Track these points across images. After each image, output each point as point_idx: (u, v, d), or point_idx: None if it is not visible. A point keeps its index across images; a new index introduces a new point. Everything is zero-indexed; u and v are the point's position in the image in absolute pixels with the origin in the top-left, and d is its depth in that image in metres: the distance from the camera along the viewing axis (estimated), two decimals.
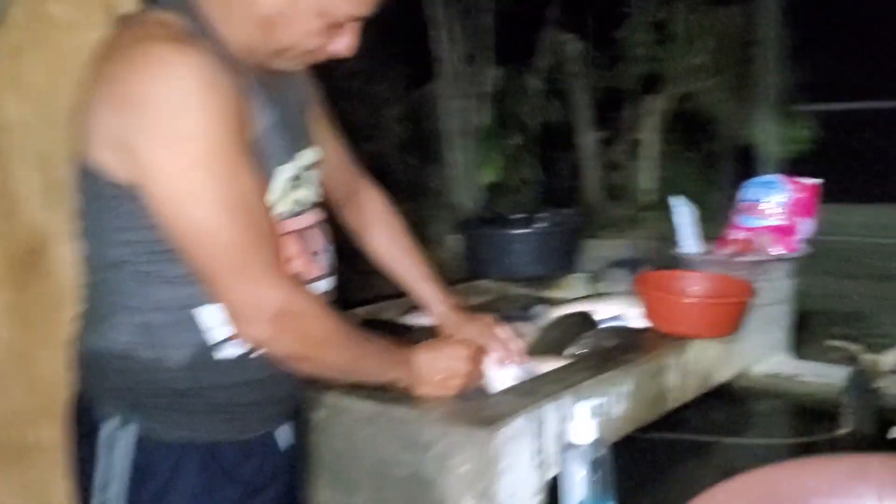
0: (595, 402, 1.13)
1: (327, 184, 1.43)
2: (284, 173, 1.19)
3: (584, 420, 1.10)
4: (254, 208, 1.08)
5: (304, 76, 1.35)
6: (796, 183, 1.88)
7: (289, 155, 1.21)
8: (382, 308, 2.05)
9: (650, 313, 1.65)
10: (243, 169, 1.07)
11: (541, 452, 1.27)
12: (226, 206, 1.05)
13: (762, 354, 1.88)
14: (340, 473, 1.34)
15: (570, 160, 5.47)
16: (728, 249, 1.89)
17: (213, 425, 1.17)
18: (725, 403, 1.74)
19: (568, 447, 1.11)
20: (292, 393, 1.28)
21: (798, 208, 1.86)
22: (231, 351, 1.15)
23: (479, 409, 1.26)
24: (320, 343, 1.14)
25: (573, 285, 2.26)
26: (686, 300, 1.63)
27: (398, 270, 1.56)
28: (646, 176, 4.33)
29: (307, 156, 1.28)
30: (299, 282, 1.16)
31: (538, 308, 1.91)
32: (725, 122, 4.81)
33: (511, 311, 1.97)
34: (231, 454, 1.18)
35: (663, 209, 4.43)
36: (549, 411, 1.28)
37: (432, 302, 1.56)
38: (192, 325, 1.13)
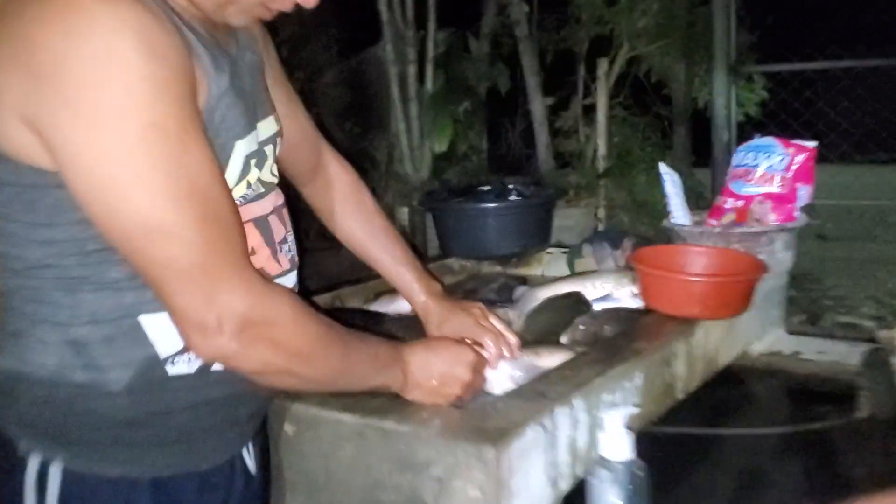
0: (626, 409, 0.96)
1: (289, 157, 1.22)
2: (243, 149, 0.98)
3: (618, 433, 0.93)
4: (210, 195, 0.86)
5: (258, 32, 1.14)
6: (793, 145, 1.73)
7: (249, 126, 1.00)
8: (342, 294, 1.84)
9: (651, 293, 1.48)
10: (195, 147, 0.85)
11: (554, 466, 1.09)
12: (173, 195, 0.83)
13: (761, 332, 1.74)
14: (318, 499, 1.14)
15: (520, 127, 5.31)
16: (722, 220, 1.74)
17: (165, 458, 0.96)
18: (728, 388, 1.59)
19: (600, 466, 0.93)
20: (259, 410, 1.08)
21: (798, 174, 1.71)
22: (184, 367, 0.94)
23: (483, 420, 1.07)
24: (299, 354, 0.93)
25: (549, 262, 2.09)
26: (697, 279, 1.46)
27: (373, 254, 1.37)
28: (599, 142, 4.20)
29: (267, 127, 1.07)
30: (268, 280, 0.95)
31: (521, 290, 1.73)
32: (678, 85, 4.70)
33: (490, 294, 1.78)
34: (188, 489, 0.98)
35: (617, 176, 4.32)
36: (561, 417, 1.11)
37: (414, 289, 1.37)
38: (135, 339, 0.91)
